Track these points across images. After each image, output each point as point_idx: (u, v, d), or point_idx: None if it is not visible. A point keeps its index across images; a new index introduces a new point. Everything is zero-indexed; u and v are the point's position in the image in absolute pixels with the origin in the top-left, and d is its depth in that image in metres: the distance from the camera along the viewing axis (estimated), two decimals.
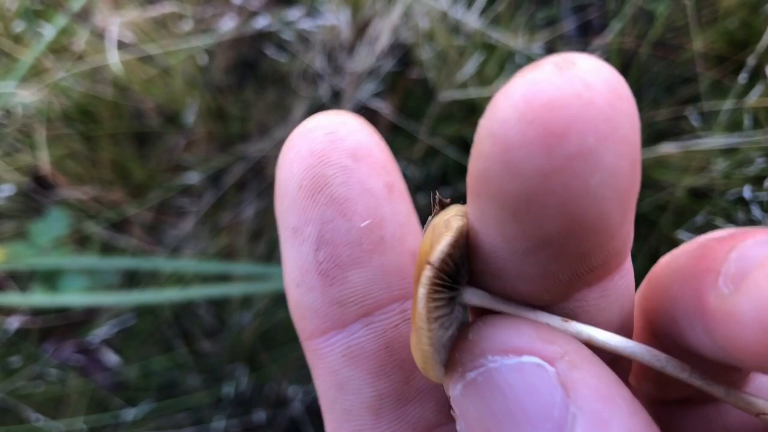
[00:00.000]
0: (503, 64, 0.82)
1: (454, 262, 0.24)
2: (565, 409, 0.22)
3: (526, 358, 0.22)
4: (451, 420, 0.31)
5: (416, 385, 0.30)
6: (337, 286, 0.30)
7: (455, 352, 0.24)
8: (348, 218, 0.29)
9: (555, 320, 0.24)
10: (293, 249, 0.30)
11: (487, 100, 0.87)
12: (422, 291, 0.23)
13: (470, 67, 0.76)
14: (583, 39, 1.01)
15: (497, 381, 0.22)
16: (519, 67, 0.85)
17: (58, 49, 0.94)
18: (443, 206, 0.27)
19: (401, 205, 0.31)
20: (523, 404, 0.22)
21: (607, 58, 0.94)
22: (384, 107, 0.84)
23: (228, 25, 0.97)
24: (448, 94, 0.77)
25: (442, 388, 0.30)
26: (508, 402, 0.22)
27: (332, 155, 0.29)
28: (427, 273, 0.23)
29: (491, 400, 0.22)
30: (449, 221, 0.25)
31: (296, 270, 0.30)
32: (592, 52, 0.92)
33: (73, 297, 0.85)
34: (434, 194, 0.28)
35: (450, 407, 0.24)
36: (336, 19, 0.90)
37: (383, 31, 0.86)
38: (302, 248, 0.30)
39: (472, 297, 0.25)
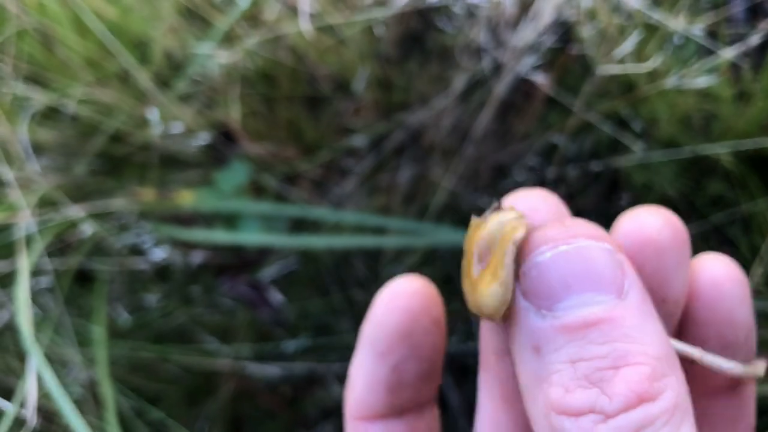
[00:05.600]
0: (662, 44, 0.84)
1: None
2: (624, 282, 0.29)
3: (606, 245, 0.30)
4: None
5: None
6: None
7: (547, 230, 0.30)
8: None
9: None
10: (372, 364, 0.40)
11: (643, 76, 0.89)
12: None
13: (629, 44, 0.79)
14: (750, 23, 1.00)
15: (584, 253, 0.29)
16: (676, 47, 0.86)
17: (249, 17, 1.06)
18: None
19: None
20: (602, 270, 0.29)
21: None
22: (541, 79, 0.88)
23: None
24: (605, 69, 0.81)
25: None
26: (591, 267, 0.29)
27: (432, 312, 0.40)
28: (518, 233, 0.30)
29: (576, 265, 0.29)
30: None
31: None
32: (757, 35, 0.91)
33: (249, 236, 0.96)
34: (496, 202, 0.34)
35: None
36: None
37: (546, 8, 0.90)
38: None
39: None
